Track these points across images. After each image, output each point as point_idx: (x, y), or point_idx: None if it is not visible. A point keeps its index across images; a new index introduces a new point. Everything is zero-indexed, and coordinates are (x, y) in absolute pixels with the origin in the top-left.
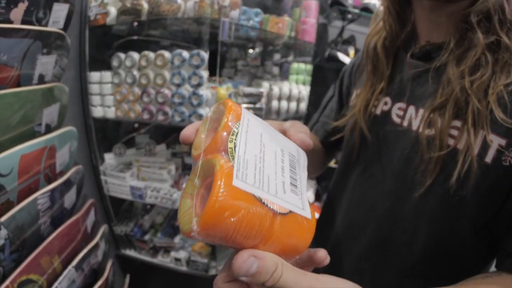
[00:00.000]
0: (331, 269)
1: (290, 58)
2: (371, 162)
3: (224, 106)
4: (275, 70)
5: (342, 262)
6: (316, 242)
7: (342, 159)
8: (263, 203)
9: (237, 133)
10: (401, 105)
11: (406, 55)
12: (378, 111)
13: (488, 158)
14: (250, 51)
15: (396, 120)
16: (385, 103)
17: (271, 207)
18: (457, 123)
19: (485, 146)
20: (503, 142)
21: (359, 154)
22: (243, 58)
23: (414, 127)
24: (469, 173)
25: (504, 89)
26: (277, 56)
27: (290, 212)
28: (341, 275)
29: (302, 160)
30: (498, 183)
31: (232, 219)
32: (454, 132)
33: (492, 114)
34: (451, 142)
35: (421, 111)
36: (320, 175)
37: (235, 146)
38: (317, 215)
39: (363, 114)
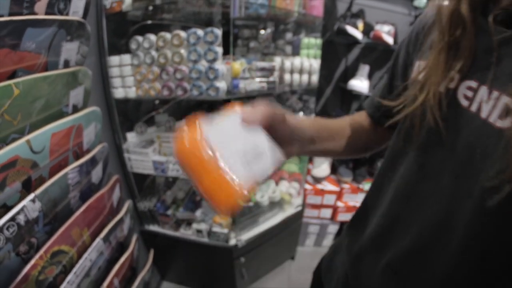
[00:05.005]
0: (365, 265)
1: (302, 35)
2: (426, 148)
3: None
4: (288, 49)
5: (378, 257)
6: (354, 228)
7: (394, 139)
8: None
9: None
10: (471, 83)
11: (484, 19)
12: (441, 88)
13: None
14: (262, 31)
15: (464, 103)
16: (451, 79)
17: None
18: None
19: None
20: None
21: (414, 137)
22: (254, 38)
23: (483, 114)
24: None
25: None
26: (288, 36)
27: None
28: (375, 269)
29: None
30: None
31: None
32: None
33: None
34: None
35: (495, 93)
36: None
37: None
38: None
39: (435, 101)
